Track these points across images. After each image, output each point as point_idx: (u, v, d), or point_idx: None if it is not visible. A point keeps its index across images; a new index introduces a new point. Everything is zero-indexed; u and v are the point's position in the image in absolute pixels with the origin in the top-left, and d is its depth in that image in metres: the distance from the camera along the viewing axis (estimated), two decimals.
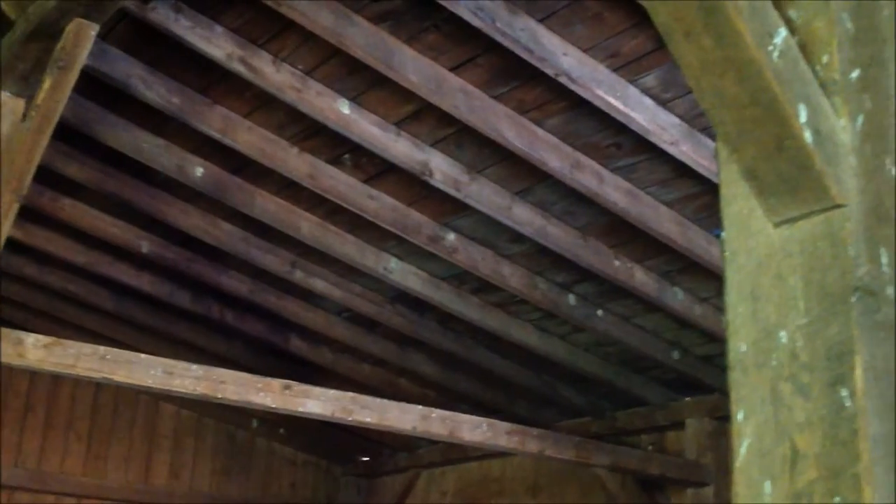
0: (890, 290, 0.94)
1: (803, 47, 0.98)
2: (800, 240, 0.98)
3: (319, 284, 4.94)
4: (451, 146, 3.82)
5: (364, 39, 3.17)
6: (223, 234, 4.58)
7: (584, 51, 3.19)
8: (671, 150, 3.51)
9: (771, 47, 0.94)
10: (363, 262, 4.61)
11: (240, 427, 7.08)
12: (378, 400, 4.29)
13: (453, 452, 6.55)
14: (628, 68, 3.24)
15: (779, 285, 0.99)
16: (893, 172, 0.98)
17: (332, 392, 4.11)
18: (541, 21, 3.08)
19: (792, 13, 1.00)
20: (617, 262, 4.45)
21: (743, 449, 0.98)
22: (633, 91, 3.33)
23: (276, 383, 3.95)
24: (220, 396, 3.92)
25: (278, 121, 3.81)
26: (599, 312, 4.93)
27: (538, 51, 3.11)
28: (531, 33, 3.08)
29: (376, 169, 4.03)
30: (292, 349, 5.75)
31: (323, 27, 3.10)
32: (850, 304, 0.92)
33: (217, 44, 3.31)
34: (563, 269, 4.58)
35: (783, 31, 0.96)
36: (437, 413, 4.42)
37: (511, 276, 4.61)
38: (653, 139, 3.47)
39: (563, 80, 3.21)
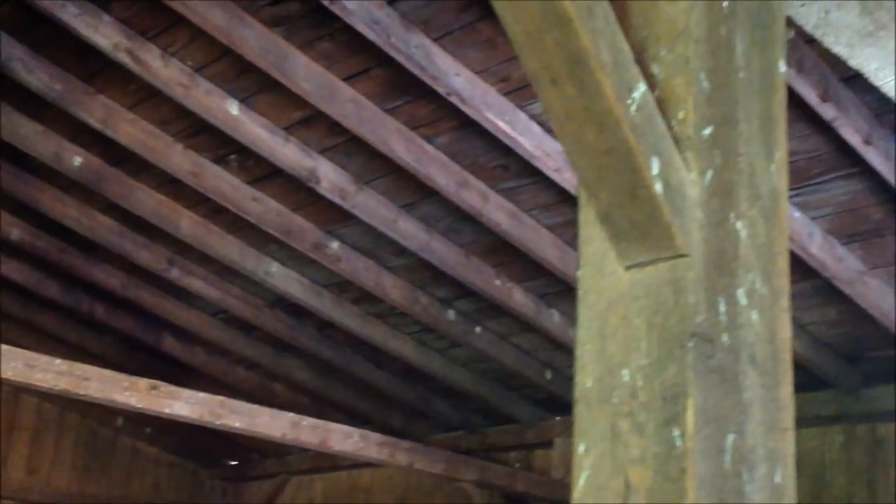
0: (725, 338, 0.99)
1: (662, 102, 1.03)
2: (646, 284, 1.02)
3: (196, 284, 4.85)
4: (340, 155, 3.82)
5: (257, 42, 3.14)
6: (98, 226, 4.46)
7: (476, 73, 3.23)
8: (555, 176, 3.58)
9: (630, 101, 0.97)
10: (243, 265, 4.55)
11: (104, 424, 6.87)
12: (248, 405, 4.23)
13: (323, 460, 6.51)
14: (518, 94, 3.30)
15: (625, 326, 1.03)
16: (736, 226, 1.03)
17: (201, 395, 4.03)
18: (435, 40, 3.11)
19: (654, 68, 1.04)
20: (497, 282, 4.51)
21: (581, 481, 1.01)
22: (521, 116, 3.39)
23: (143, 383, 3.85)
24: (82, 393, 3.79)
25: (163, 116, 3.73)
26: (478, 329, 4.99)
27: (431, 69, 3.13)
28: (425, 51, 3.10)
29: (262, 172, 3.98)
30: (165, 348, 5.62)
31: (215, 26, 3.06)
32: (686, 348, 0.96)
33: (104, 33, 3.22)
34: (445, 285, 4.62)
35: (642, 87, 1.00)
36: (308, 421, 4.39)
37: (393, 288, 4.62)
38: (538, 164, 3.53)
39: (454, 99, 3.25)
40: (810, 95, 3.02)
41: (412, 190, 3.94)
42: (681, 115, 1.02)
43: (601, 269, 1.07)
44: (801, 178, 3.49)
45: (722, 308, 1.00)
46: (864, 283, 3.89)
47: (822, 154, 3.36)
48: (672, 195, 0.99)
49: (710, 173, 1.02)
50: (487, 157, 3.71)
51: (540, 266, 4.22)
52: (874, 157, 3.20)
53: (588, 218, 1.07)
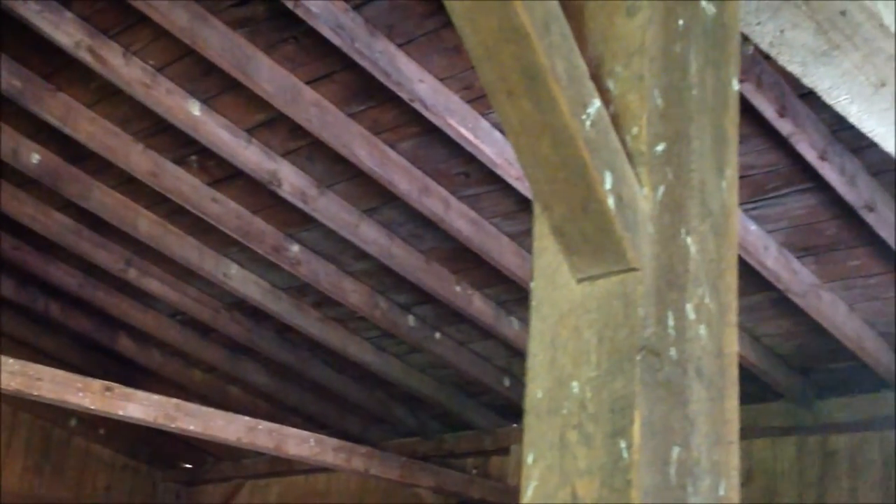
0: (673, 351, 1.00)
1: (617, 118, 1.04)
2: (597, 297, 1.03)
3: (154, 285, 4.81)
4: (302, 158, 3.81)
5: (220, 43, 3.12)
6: (55, 224, 4.40)
7: (440, 80, 3.24)
8: (516, 184, 3.60)
9: (584, 116, 0.98)
10: (202, 266, 4.52)
11: (57, 425, 6.77)
12: (203, 408, 4.20)
13: (279, 465, 6.47)
14: (481, 101, 3.31)
15: (576, 338, 1.04)
16: (687, 242, 1.05)
17: (156, 397, 3.99)
18: (400, 46, 3.12)
19: (610, 84, 1.05)
20: (457, 288, 4.52)
21: (530, 491, 1.02)
22: (484, 124, 3.41)
23: (97, 384, 3.81)
24: (35, 394, 3.75)
25: (124, 115, 3.70)
26: (437, 335, 4.99)
27: (395, 75, 3.14)
28: (389, 57, 3.10)
29: (223, 173, 3.96)
30: (120, 349, 5.56)
31: (177, 26, 3.04)
32: (635, 361, 0.97)
33: (65, 30, 3.19)
34: (405, 290, 4.62)
35: (597, 102, 1.01)
36: (263, 425, 4.37)
37: (353, 292, 4.61)
38: (500, 172, 3.55)
39: (417, 105, 3.26)
40: (768, 111, 3.07)
41: (374, 195, 3.94)
42: (635, 130, 1.03)
43: (554, 281, 1.08)
44: (758, 191, 3.54)
45: (670, 322, 1.01)
46: (818, 296, 3.96)
47: (779, 168, 3.41)
48: (624, 210, 1.00)
49: (662, 189, 1.03)
50: (450, 164, 3.72)
51: (500, 273, 4.24)
52: (829, 173, 3.26)
53: (542, 230, 1.08)
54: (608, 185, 0.99)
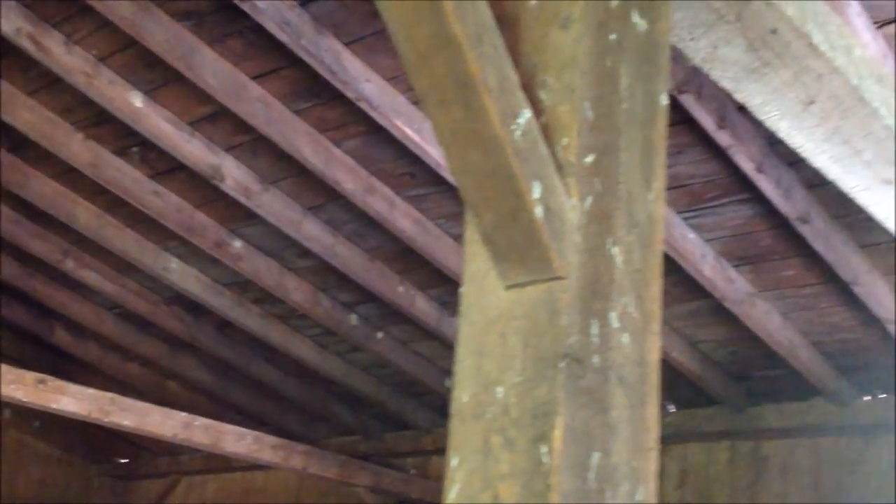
0: (596, 359, 1.02)
1: (547, 128, 1.06)
2: (524, 304, 1.04)
3: (92, 277, 4.74)
4: (246, 154, 3.78)
5: (163, 35, 3.09)
6: None
7: (387, 80, 3.24)
8: None
9: (514, 126, 1.00)
10: (141, 259, 4.46)
11: None
12: (139, 403, 4.15)
13: (216, 461, 6.41)
14: None
15: (502, 344, 1.05)
16: (613, 252, 1.07)
17: (90, 391, 3.94)
18: (347, 45, 3.11)
19: (542, 95, 1.07)
20: (401, 288, 4.53)
21: (453, 494, 1.03)
22: (430, 125, 3.41)
23: (30, 376, 3.75)
24: None
25: (64, 104, 3.65)
26: (379, 335, 5.00)
27: (341, 73, 3.13)
28: (336, 55, 3.10)
29: (165, 166, 3.92)
30: (56, 341, 5.47)
31: (121, 16, 3.00)
32: (558, 368, 0.99)
33: (6, 17, 3.13)
34: (348, 289, 4.61)
35: (527, 113, 1.03)
36: (200, 421, 4.33)
37: (295, 289, 4.59)
38: (444, 174, 3.56)
39: (363, 105, 3.26)
40: (708, 122, 3.12)
41: (318, 192, 3.93)
42: (564, 141, 1.05)
43: (483, 287, 1.09)
44: (696, 201, 3.60)
45: (594, 330, 1.03)
46: (753, 304, 4.04)
47: (717, 179, 3.47)
48: (552, 219, 1.02)
49: (589, 199, 1.05)
50: (395, 164, 3.73)
51: (443, 274, 4.26)
52: (765, 185, 3.33)
53: (472, 237, 1.10)
54: (536, 194, 1.00)
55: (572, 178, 1.04)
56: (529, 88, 1.07)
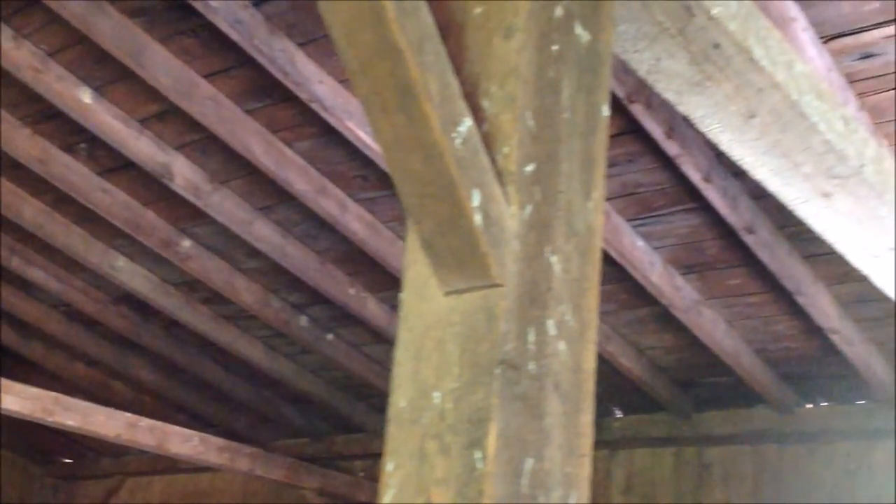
0: (532, 366, 1.04)
1: (489, 136, 1.07)
2: (462, 311, 1.05)
3: (38, 274, 4.66)
4: (196, 153, 3.75)
5: (114, 31, 3.06)
6: None
7: (339, 82, 3.24)
8: None
9: (455, 134, 1.01)
10: (88, 258, 4.40)
11: None
12: (83, 403, 4.10)
13: (162, 462, 6.35)
14: None
15: (440, 350, 1.06)
16: (551, 260, 1.08)
17: (33, 390, 3.88)
18: (300, 46, 3.10)
19: (485, 103, 1.08)
20: (352, 290, 4.52)
21: (387, 498, 1.04)
22: None
23: None
24: None
25: (12, 98, 3.59)
26: (329, 337, 4.98)
27: (294, 74, 3.12)
28: (289, 56, 3.09)
29: (114, 163, 3.87)
30: (1, 339, 5.37)
31: (71, 12, 2.97)
32: (494, 374, 1.00)
33: None
34: (298, 290, 4.60)
35: (468, 122, 1.04)
36: (145, 422, 4.28)
37: (245, 290, 4.56)
38: None
39: (315, 106, 3.25)
40: (657, 131, 3.16)
41: (270, 193, 3.91)
42: (505, 150, 1.06)
43: (422, 293, 1.10)
44: (646, 209, 3.64)
45: (531, 337, 1.04)
46: (699, 312, 4.09)
47: (666, 188, 3.52)
48: (491, 227, 1.03)
49: (529, 208, 1.07)
50: (347, 166, 3.72)
51: (394, 277, 4.26)
52: (712, 194, 3.38)
53: (413, 243, 1.10)
54: (476, 202, 1.01)
55: (512, 187, 1.05)
56: (472, 97, 1.08)
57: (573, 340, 1.09)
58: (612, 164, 3.44)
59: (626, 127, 3.26)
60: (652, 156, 3.36)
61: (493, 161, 1.05)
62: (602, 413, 5.10)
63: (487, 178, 1.03)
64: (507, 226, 1.04)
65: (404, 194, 1.04)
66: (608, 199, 3.61)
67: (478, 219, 1.01)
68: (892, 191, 1.78)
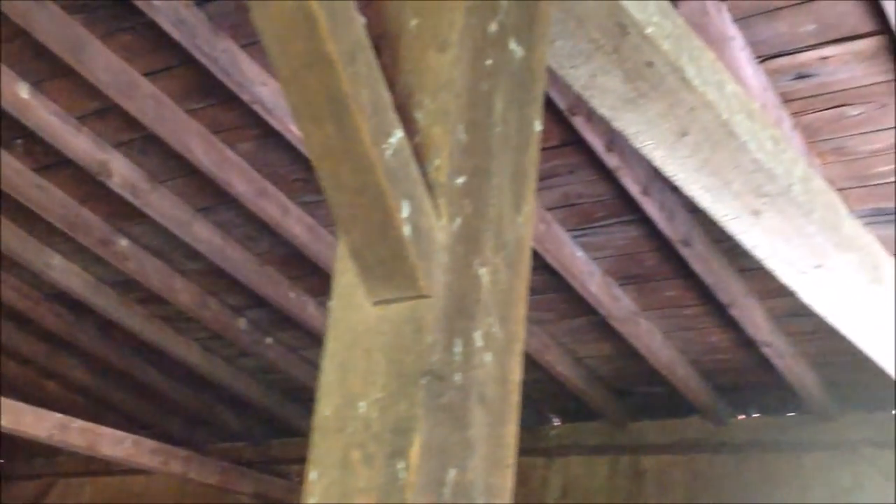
0: (458, 377, 1.04)
1: (421, 148, 1.07)
2: (390, 321, 1.06)
3: None
4: (135, 151, 3.70)
5: (54, 27, 3.01)
6: None
7: None
8: None
9: (386, 146, 1.02)
10: (22, 254, 4.32)
11: None
12: (13, 403, 4.01)
13: (95, 463, 6.24)
14: None
15: (366, 359, 1.06)
16: (480, 272, 1.09)
17: None
18: (243, 47, 3.09)
19: (418, 115, 1.09)
20: (292, 294, 4.49)
21: None
22: None
23: None
24: None
25: None
26: (269, 340, 4.95)
27: (236, 75, 3.11)
28: (231, 57, 3.07)
29: (50, 160, 3.81)
30: None
31: (10, 5, 2.91)
32: (419, 385, 1.01)
33: None
34: (237, 293, 4.56)
35: (399, 133, 1.05)
36: (77, 423, 4.21)
37: (182, 291, 4.51)
38: None
39: (257, 108, 3.23)
40: (597, 144, 3.21)
41: (210, 194, 3.88)
42: (437, 162, 1.07)
43: (351, 302, 1.10)
44: (586, 220, 3.69)
45: (458, 349, 1.05)
46: (636, 322, 4.15)
47: (605, 199, 3.56)
48: (420, 238, 1.04)
49: (459, 220, 1.08)
50: (289, 169, 3.70)
51: None
52: (650, 207, 3.43)
53: (342, 252, 1.11)
54: (405, 213, 1.02)
55: (443, 199, 1.06)
56: (405, 108, 1.09)
57: (500, 352, 1.10)
58: (553, 175, 3.48)
59: (568, 139, 3.29)
60: (592, 168, 3.41)
61: (424, 173, 1.06)
62: (540, 421, 5.13)
63: (417, 190, 1.04)
64: (437, 237, 1.05)
65: (334, 204, 1.04)
66: (549, 210, 3.65)
67: (407, 230, 1.02)
68: (820, 209, 1.83)
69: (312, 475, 1.05)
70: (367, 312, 1.08)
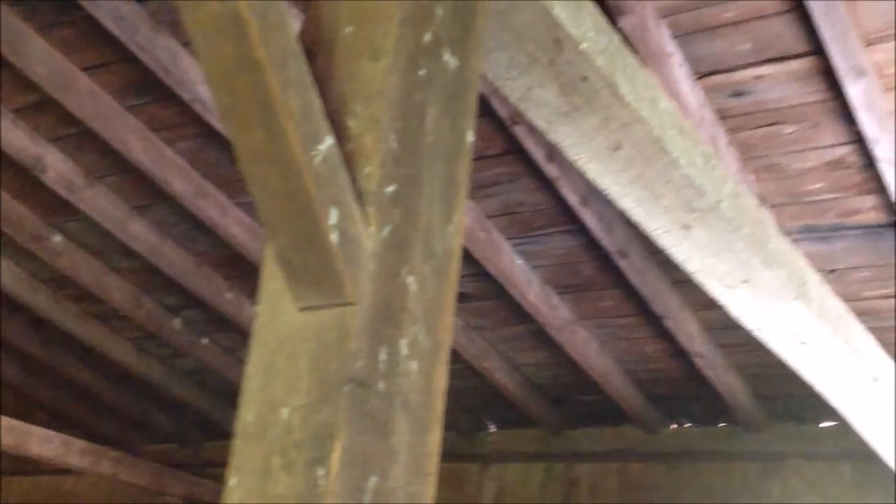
0: (382, 385, 1.05)
1: (353, 156, 1.08)
2: (315, 327, 1.06)
3: None
4: (72, 147, 3.64)
5: None
6: None
7: None
8: None
9: (315, 152, 1.02)
10: None
11: None
12: None
13: (23, 463, 6.10)
14: None
15: (291, 365, 1.06)
16: (407, 281, 1.10)
17: None
18: (184, 45, 3.06)
19: (350, 123, 1.09)
20: (229, 295, 4.45)
21: None
22: None
23: None
24: None
25: None
26: (204, 341, 4.89)
27: (176, 73, 3.07)
28: (172, 54, 3.04)
29: None
30: None
31: None
32: (342, 392, 1.01)
33: None
34: (173, 293, 4.50)
35: (329, 140, 1.05)
36: (5, 421, 4.12)
37: (117, 290, 4.44)
38: None
39: (197, 107, 3.20)
40: (538, 154, 3.24)
41: (147, 192, 3.83)
42: (367, 170, 1.07)
43: (277, 307, 1.10)
44: (525, 228, 3.71)
45: (383, 356, 1.05)
46: (573, 331, 4.19)
47: (545, 209, 3.60)
48: (347, 245, 1.04)
49: (388, 228, 1.08)
50: (229, 169, 3.67)
51: None
52: (589, 218, 3.47)
53: (270, 257, 1.10)
54: (333, 220, 1.02)
55: (372, 207, 1.06)
56: (338, 115, 1.09)
57: (425, 360, 1.11)
58: (494, 183, 3.50)
59: (509, 147, 3.32)
60: (533, 177, 3.43)
61: (355, 181, 1.06)
62: (476, 427, 5.15)
63: (346, 197, 1.04)
64: (365, 245, 1.05)
65: (262, 209, 1.04)
66: (490, 217, 3.67)
67: (334, 237, 1.02)
68: (748, 226, 1.87)
69: (232, 481, 1.05)
70: (292, 318, 1.08)
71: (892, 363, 2.42)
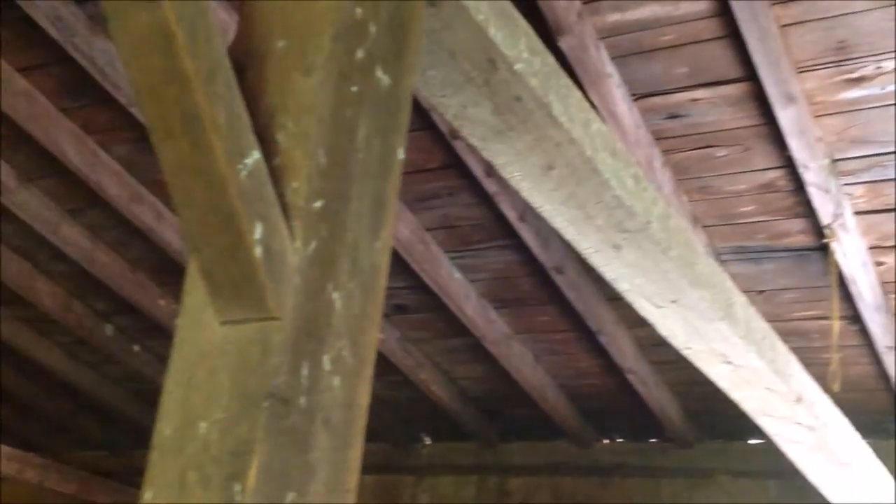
0: (303, 400, 1.04)
1: (281, 170, 1.07)
2: (236, 341, 1.05)
3: None
4: (5, 148, 3.57)
5: None
6: None
7: None
8: None
9: (241, 166, 1.01)
10: None
11: None
12: None
13: None
14: None
15: (211, 380, 1.05)
16: (333, 297, 1.10)
17: None
18: None
19: (280, 137, 1.09)
20: (162, 301, 4.39)
21: None
22: None
23: None
24: None
25: None
26: (136, 348, 4.82)
27: (113, 76, 3.04)
28: (109, 57, 3.00)
29: None
30: None
31: None
32: (262, 407, 1.01)
33: None
34: (105, 298, 4.43)
35: (256, 154, 1.05)
36: None
37: (47, 294, 4.36)
38: None
39: (134, 111, 3.17)
40: (477, 169, 3.26)
41: (80, 196, 3.77)
42: (295, 185, 1.07)
43: (199, 320, 1.09)
44: (464, 242, 3.73)
45: (305, 372, 1.05)
46: (509, 345, 4.21)
47: (483, 223, 3.62)
48: (272, 260, 1.04)
49: (314, 244, 1.08)
50: None
51: None
52: (526, 234, 3.50)
53: (193, 270, 1.09)
54: (258, 234, 1.02)
55: (298, 222, 1.06)
56: (268, 129, 1.09)
57: (348, 376, 1.11)
58: (433, 196, 3.51)
59: (449, 161, 3.34)
60: (472, 191, 3.45)
61: (282, 195, 1.06)
62: (411, 439, 5.15)
63: (272, 212, 1.04)
64: (290, 260, 1.05)
65: (185, 221, 1.03)
66: (429, 230, 3.68)
67: (258, 251, 1.02)
68: (676, 247, 1.90)
69: (147, 495, 1.04)
70: (214, 332, 1.07)
71: (815, 383, 2.48)
